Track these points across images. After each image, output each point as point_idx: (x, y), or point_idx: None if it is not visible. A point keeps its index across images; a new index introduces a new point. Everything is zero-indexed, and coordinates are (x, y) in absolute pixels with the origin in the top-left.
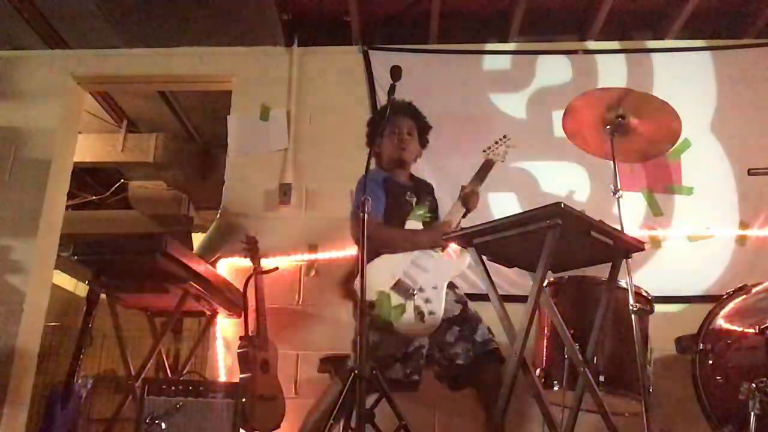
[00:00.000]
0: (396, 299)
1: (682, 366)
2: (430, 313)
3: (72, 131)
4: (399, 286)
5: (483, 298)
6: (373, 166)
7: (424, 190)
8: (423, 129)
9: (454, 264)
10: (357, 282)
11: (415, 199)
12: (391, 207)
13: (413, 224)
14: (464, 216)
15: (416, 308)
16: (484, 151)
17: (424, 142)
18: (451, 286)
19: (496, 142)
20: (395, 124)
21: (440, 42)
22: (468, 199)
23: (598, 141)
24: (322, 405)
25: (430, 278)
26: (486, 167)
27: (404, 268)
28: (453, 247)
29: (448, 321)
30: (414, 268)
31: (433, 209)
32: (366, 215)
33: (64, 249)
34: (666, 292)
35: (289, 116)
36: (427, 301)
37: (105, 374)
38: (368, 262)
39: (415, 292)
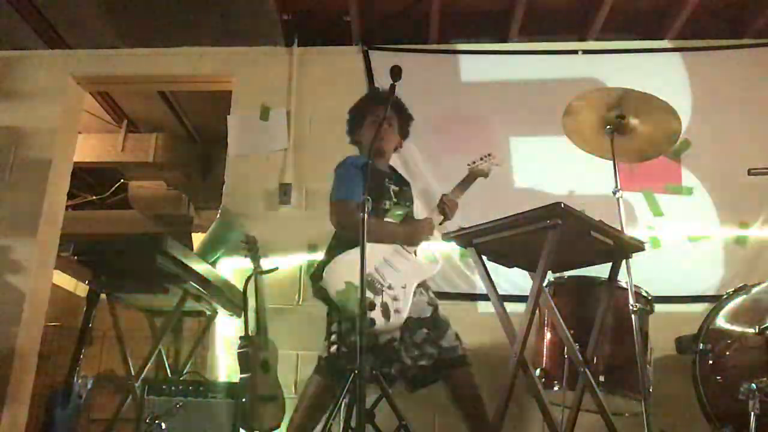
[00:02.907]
0: None
1: (682, 366)
2: (396, 311)
3: (72, 131)
4: (367, 280)
5: (481, 298)
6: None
7: (403, 181)
8: (403, 119)
9: (424, 267)
10: (326, 276)
11: (394, 187)
12: (370, 192)
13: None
14: (441, 224)
15: (383, 305)
16: (469, 165)
17: (405, 133)
18: (426, 287)
19: (482, 158)
20: (375, 114)
21: (440, 42)
22: (447, 207)
23: (598, 141)
24: (301, 405)
25: (401, 277)
26: (469, 180)
27: (375, 264)
28: (427, 254)
29: (419, 321)
30: (385, 265)
31: (410, 200)
32: (366, 215)
33: (64, 249)
34: (666, 292)
35: (289, 116)
36: (394, 299)
37: (105, 374)
38: (343, 251)
39: (383, 289)
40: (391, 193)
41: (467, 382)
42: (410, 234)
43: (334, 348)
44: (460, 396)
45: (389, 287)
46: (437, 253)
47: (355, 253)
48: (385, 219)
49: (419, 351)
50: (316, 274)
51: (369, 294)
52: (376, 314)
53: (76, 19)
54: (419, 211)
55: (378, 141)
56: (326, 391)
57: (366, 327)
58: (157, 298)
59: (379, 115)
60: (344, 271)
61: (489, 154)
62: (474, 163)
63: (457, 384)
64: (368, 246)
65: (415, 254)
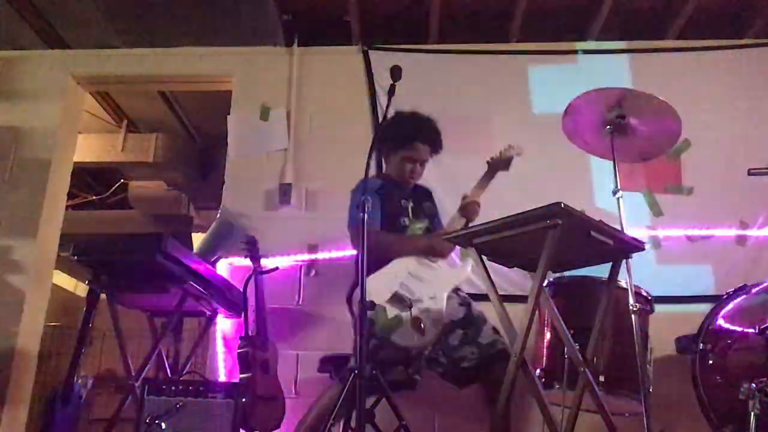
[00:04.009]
0: (392, 312)
1: (682, 366)
2: (430, 323)
3: (72, 131)
4: (395, 299)
5: (483, 298)
6: (373, 171)
7: (422, 196)
8: (436, 153)
9: (453, 273)
10: (355, 296)
11: (410, 204)
12: (385, 211)
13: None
14: (465, 226)
15: (415, 320)
16: (488, 161)
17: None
18: (455, 288)
19: (500, 152)
20: (413, 149)
21: (440, 42)
22: (468, 209)
23: (598, 141)
24: (319, 407)
25: (429, 289)
26: (489, 175)
27: (401, 280)
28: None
29: (452, 324)
30: (411, 279)
31: (433, 214)
32: (366, 215)
33: (64, 249)
34: (666, 292)
35: (289, 116)
36: (425, 311)
37: (105, 374)
38: (368, 274)
39: (412, 303)
40: (409, 210)
41: (503, 379)
42: (428, 248)
43: None
44: (494, 392)
45: (418, 300)
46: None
47: (378, 275)
48: (407, 234)
49: (458, 353)
50: (348, 295)
51: (397, 311)
52: (406, 330)
53: (76, 19)
54: None
55: (407, 179)
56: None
57: (366, 327)
58: (157, 298)
59: (417, 154)
60: (371, 295)
61: (510, 146)
62: (493, 158)
63: (493, 380)
64: (391, 263)
65: (441, 262)
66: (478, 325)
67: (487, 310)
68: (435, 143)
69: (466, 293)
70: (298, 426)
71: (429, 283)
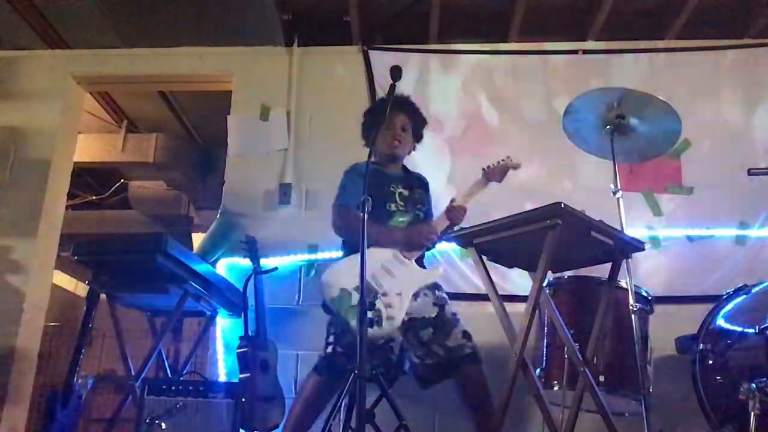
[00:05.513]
0: (356, 299)
1: (682, 366)
2: (389, 318)
3: (72, 131)
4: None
5: (481, 298)
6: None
7: (415, 183)
8: (418, 123)
9: (423, 275)
10: (324, 277)
11: (402, 191)
12: (373, 196)
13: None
14: (447, 229)
15: (375, 312)
16: (484, 169)
17: (418, 137)
18: (434, 287)
19: (498, 162)
20: (391, 120)
21: (440, 42)
22: (454, 213)
23: (598, 141)
24: (300, 399)
25: (397, 284)
26: (480, 185)
27: (372, 271)
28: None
29: (424, 321)
30: (382, 272)
31: (424, 203)
32: (366, 215)
33: (64, 249)
34: (666, 292)
35: (289, 116)
36: (388, 306)
37: (105, 374)
38: (344, 256)
39: (378, 296)
40: (397, 196)
41: (476, 379)
42: (409, 238)
43: (330, 348)
44: (468, 393)
45: (384, 294)
46: (439, 258)
47: (351, 260)
48: (389, 224)
49: (426, 349)
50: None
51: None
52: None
53: (76, 19)
54: None
55: (393, 149)
56: (323, 389)
57: (366, 327)
58: (157, 298)
59: (394, 121)
60: (340, 277)
61: (508, 157)
62: (488, 167)
63: (466, 381)
64: (367, 252)
65: (416, 261)
66: (447, 327)
67: (467, 311)
68: (411, 112)
69: (446, 293)
70: (286, 422)
71: (398, 280)
